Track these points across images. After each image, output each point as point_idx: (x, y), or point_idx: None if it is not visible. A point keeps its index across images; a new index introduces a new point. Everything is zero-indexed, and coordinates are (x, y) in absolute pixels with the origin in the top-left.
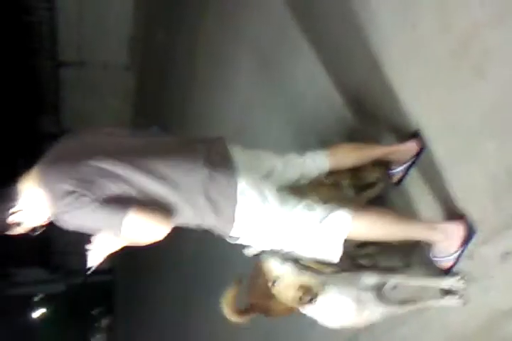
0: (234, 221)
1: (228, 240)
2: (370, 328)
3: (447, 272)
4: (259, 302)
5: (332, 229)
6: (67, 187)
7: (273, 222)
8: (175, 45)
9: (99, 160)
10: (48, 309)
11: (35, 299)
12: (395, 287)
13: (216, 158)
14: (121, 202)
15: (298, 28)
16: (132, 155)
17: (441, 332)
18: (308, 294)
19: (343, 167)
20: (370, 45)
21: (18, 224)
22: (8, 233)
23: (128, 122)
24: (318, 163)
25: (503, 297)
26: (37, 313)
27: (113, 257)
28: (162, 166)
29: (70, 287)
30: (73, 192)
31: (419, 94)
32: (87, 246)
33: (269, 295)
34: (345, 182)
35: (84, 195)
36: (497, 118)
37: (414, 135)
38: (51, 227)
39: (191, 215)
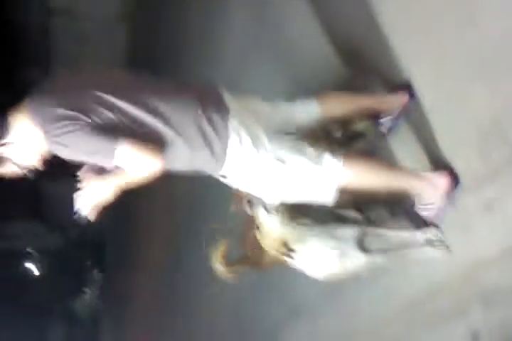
0: (225, 160)
1: (218, 178)
2: (353, 278)
3: (431, 222)
4: (251, 254)
5: (324, 174)
6: (60, 111)
7: (264, 165)
8: None
9: (95, 90)
10: (40, 263)
11: (28, 253)
12: (377, 237)
13: (209, 100)
14: (115, 131)
15: None
16: (128, 90)
17: (423, 282)
18: (286, 248)
19: (333, 116)
20: None
21: (8, 160)
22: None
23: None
24: (308, 110)
25: (486, 246)
26: (29, 267)
27: (104, 211)
28: (157, 103)
29: (63, 241)
30: (67, 116)
31: (410, 44)
32: (77, 192)
33: (260, 247)
34: (335, 132)
35: (77, 119)
36: (488, 68)
37: (404, 85)
38: (46, 180)
39: (184, 151)
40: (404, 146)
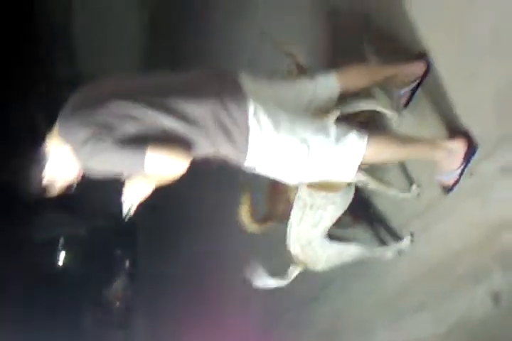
0: (248, 149)
1: (244, 169)
2: None
3: (450, 189)
4: (279, 208)
5: (348, 151)
6: (84, 134)
7: (287, 147)
8: None
9: (113, 103)
10: (70, 252)
11: (58, 243)
12: None
13: (227, 88)
14: (140, 141)
15: None
16: (146, 95)
17: (440, 244)
18: None
19: (353, 88)
20: None
21: (53, 184)
22: (47, 195)
23: (144, 61)
24: (329, 84)
25: (502, 210)
26: (60, 257)
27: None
28: (175, 102)
29: (91, 229)
30: (91, 138)
31: (427, 15)
32: (121, 197)
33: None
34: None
35: (102, 140)
36: (504, 38)
37: (421, 56)
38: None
39: (207, 146)
40: (421, 115)
